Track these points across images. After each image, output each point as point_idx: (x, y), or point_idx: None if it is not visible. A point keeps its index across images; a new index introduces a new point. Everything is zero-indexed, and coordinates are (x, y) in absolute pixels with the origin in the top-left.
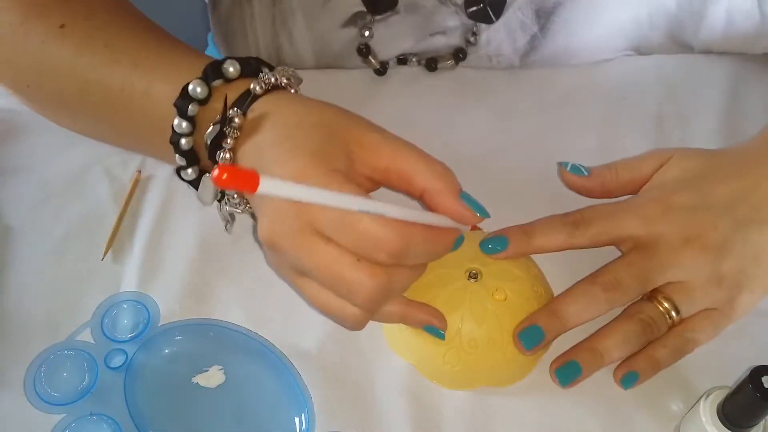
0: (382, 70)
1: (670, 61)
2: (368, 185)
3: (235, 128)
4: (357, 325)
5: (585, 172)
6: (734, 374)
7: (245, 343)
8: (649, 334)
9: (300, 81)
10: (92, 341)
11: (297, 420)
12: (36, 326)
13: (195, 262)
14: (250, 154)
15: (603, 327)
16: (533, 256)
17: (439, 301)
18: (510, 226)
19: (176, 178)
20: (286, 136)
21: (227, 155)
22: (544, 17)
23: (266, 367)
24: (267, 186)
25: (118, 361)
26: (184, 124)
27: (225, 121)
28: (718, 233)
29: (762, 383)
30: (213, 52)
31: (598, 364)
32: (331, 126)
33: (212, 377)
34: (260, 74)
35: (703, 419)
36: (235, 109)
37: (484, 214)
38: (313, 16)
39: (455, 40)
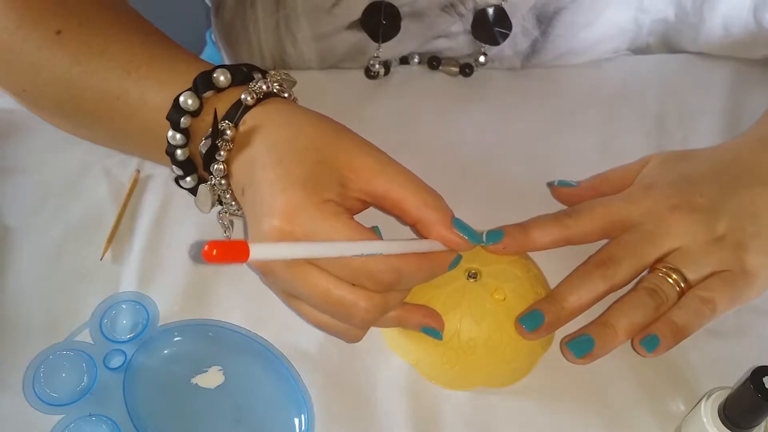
0: (385, 71)
1: (670, 60)
2: (359, 207)
3: (227, 141)
4: (354, 340)
5: (574, 184)
6: (735, 375)
7: (244, 344)
8: (656, 300)
9: (293, 83)
10: (91, 342)
11: (296, 420)
12: (35, 327)
13: (194, 263)
14: (242, 168)
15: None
16: (533, 257)
17: (438, 301)
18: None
19: None
20: (277, 160)
21: (221, 167)
22: (545, 22)
23: (266, 367)
24: (257, 253)
25: (117, 361)
26: (178, 136)
27: (216, 134)
28: (704, 198)
29: (763, 384)
30: (212, 50)
31: (610, 336)
32: (322, 150)
33: (211, 378)
34: (251, 83)
35: (704, 420)
36: (227, 121)
37: (477, 241)
38: (318, 21)
39: (459, 44)
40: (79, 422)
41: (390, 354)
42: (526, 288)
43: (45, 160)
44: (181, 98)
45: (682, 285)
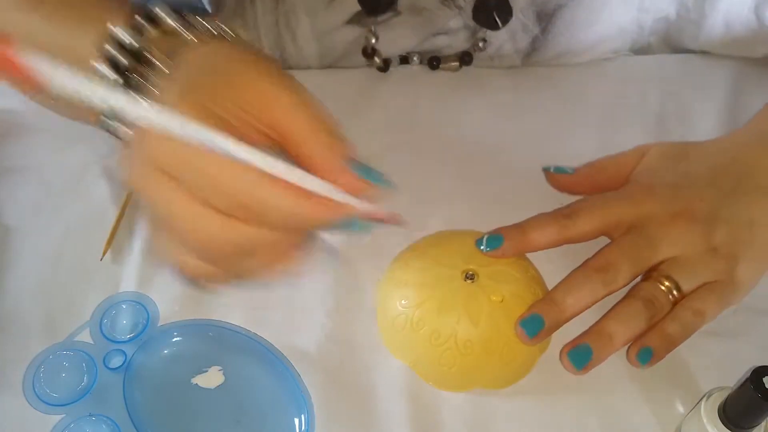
0: (384, 67)
1: (671, 60)
2: (260, 140)
3: (156, 69)
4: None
5: (570, 171)
6: (735, 375)
7: (245, 344)
8: (652, 310)
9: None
10: (91, 342)
11: (297, 421)
12: (34, 327)
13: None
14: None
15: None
16: (531, 258)
17: (434, 302)
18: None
19: None
20: (185, 77)
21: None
22: (545, 19)
23: (266, 367)
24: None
25: (117, 361)
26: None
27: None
28: (704, 205)
29: (763, 383)
30: None
31: (606, 345)
32: (234, 74)
33: (211, 378)
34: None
35: (704, 420)
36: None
37: (381, 182)
38: (317, 16)
39: (458, 41)
40: (79, 422)
41: (390, 354)
42: (524, 289)
43: (45, 160)
44: (117, 33)
45: (676, 294)
